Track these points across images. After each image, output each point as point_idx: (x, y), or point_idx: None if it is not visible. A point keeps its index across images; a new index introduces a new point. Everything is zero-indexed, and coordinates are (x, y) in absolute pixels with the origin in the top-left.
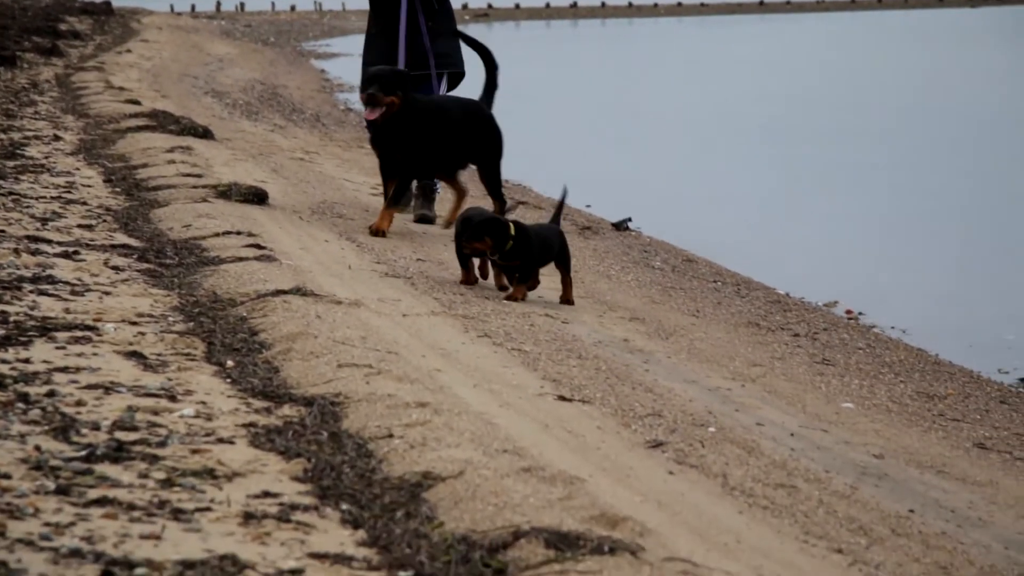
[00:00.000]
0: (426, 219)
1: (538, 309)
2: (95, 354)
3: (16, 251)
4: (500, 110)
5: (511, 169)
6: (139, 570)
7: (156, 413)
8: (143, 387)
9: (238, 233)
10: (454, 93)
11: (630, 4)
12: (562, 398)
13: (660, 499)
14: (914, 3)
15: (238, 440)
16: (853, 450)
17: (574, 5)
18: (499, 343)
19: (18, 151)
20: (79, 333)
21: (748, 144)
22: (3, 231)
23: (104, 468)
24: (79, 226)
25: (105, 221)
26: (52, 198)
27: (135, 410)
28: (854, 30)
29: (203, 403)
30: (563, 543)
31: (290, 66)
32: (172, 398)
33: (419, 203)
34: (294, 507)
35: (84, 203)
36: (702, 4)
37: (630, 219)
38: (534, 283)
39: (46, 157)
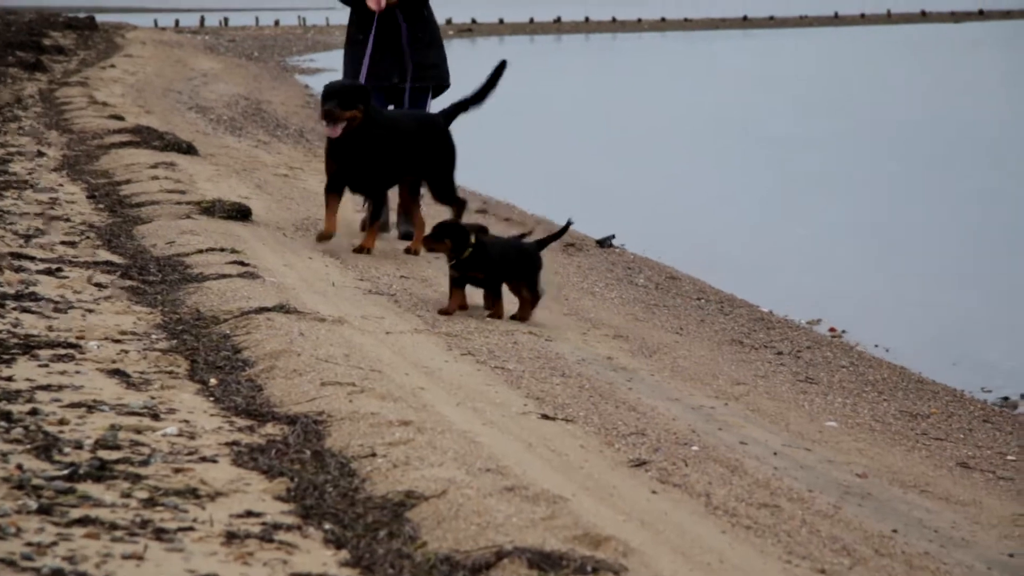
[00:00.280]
0: (410, 235)
1: (521, 327)
2: (78, 372)
3: None
4: (484, 126)
5: (495, 186)
6: None
7: (139, 432)
8: (126, 405)
9: (221, 250)
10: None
11: (614, 19)
12: (545, 416)
13: (643, 518)
14: (897, 18)
15: (221, 459)
16: (836, 469)
17: (558, 20)
18: (482, 361)
19: (1, 167)
20: (62, 351)
21: (732, 161)
22: None
23: (87, 487)
24: (62, 243)
25: (88, 238)
26: (36, 215)
27: (118, 428)
28: (838, 45)
29: (186, 421)
30: (546, 563)
31: (274, 81)
32: (155, 416)
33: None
34: (277, 527)
35: (67, 219)
36: (685, 19)
37: (614, 236)
38: (463, 300)
39: (30, 173)
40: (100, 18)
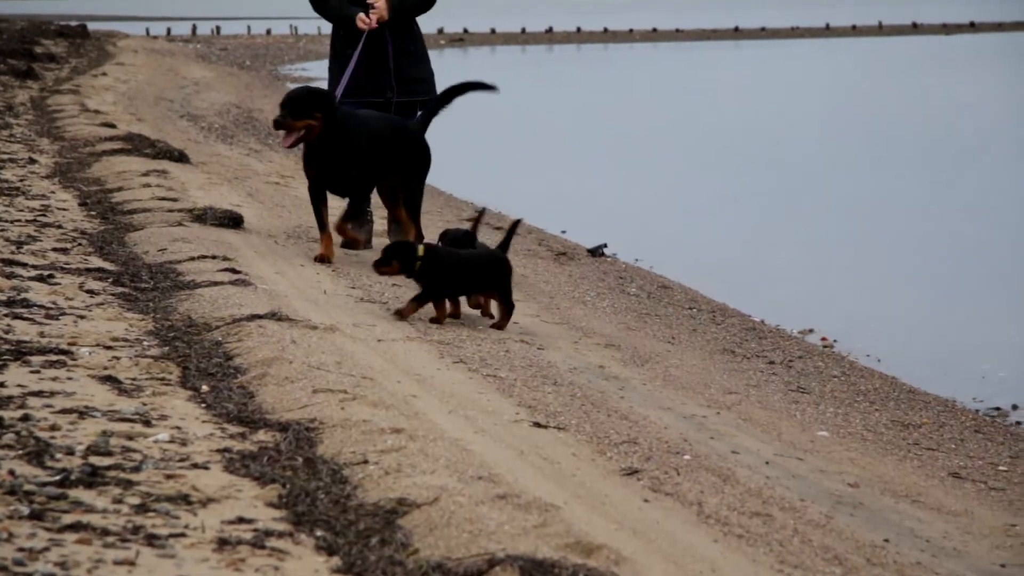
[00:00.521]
0: None
1: (514, 335)
2: (70, 378)
3: None
4: (476, 135)
5: (486, 195)
6: None
7: (131, 438)
8: (118, 412)
9: (213, 257)
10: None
11: (605, 30)
12: (537, 425)
13: (635, 527)
14: (889, 30)
15: (213, 465)
16: (828, 479)
17: (549, 30)
18: (474, 369)
19: None
20: (54, 357)
21: (723, 170)
22: None
23: (78, 493)
24: (54, 249)
25: (80, 245)
26: (27, 221)
27: (110, 435)
28: (829, 56)
29: (178, 428)
30: (538, 571)
31: (266, 90)
32: (147, 423)
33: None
34: (269, 533)
35: (59, 226)
36: (677, 30)
37: (605, 245)
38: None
39: (21, 180)
40: (92, 26)
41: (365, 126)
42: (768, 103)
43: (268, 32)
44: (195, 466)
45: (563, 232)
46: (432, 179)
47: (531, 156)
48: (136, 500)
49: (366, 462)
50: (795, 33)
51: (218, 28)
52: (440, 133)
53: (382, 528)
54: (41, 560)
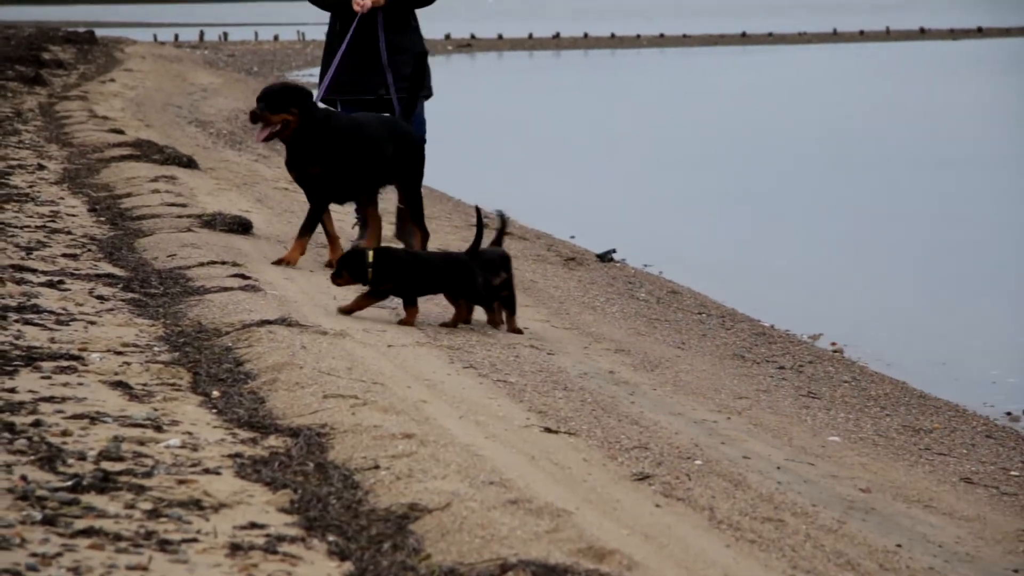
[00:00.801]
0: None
1: (523, 340)
2: (81, 384)
3: (1, 280)
4: (484, 141)
5: (494, 200)
6: None
7: (142, 443)
8: (129, 417)
9: (223, 263)
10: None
11: (612, 35)
12: (548, 430)
13: (647, 532)
14: (896, 35)
15: (224, 471)
16: (840, 484)
17: (557, 36)
18: (484, 374)
19: (2, 180)
20: (65, 363)
21: (731, 175)
22: None
23: (90, 498)
24: (64, 255)
25: (90, 250)
26: (37, 227)
27: (121, 440)
28: (837, 62)
29: (189, 433)
30: None
31: None
32: (158, 428)
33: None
34: (281, 538)
35: (69, 232)
36: (684, 35)
37: (614, 250)
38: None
39: (30, 186)
40: (100, 32)
41: (356, 128)
42: (775, 108)
43: (275, 38)
44: (207, 471)
45: (572, 237)
46: (439, 184)
47: (539, 162)
48: (148, 505)
49: (377, 467)
50: (803, 39)
51: (225, 34)
52: (447, 138)
53: (394, 533)
54: (54, 565)
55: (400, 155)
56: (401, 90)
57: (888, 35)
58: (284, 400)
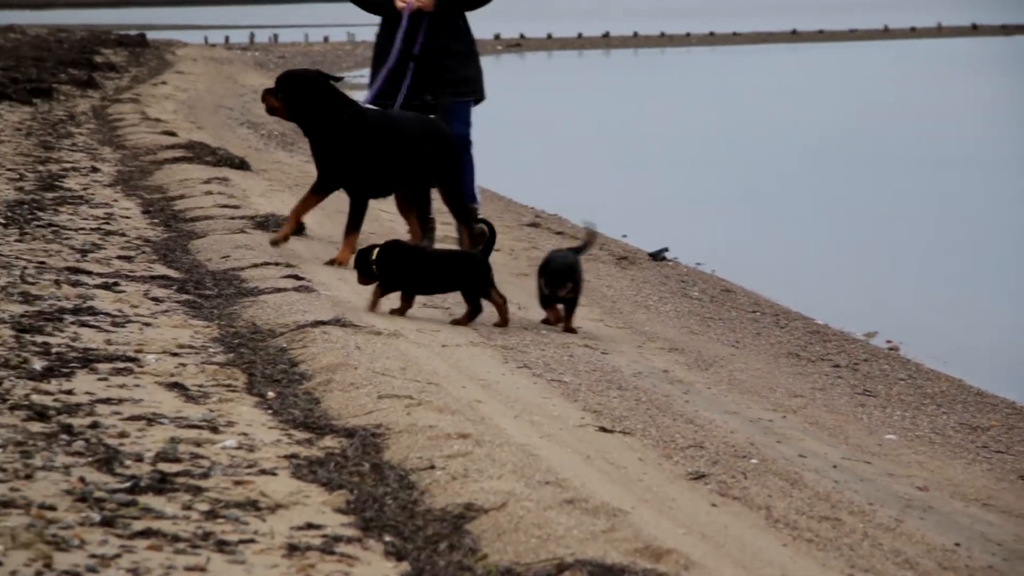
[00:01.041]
0: None
1: (577, 340)
2: (137, 385)
3: (57, 283)
4: (536, 139)
5: (546, 200)
6: None
7: (199, 444)
8: (185, 418)
9: (276, 264)
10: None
11: (662, 34)
12: (603, 429)
13: (704, 531)
14: (948, 31)
15: (280, 471)
16: (897, 482)
17: (606, 35)
18: (539, 374)
19: (56, 183)
20: (121, 364)
21: (782, 172)
22: (44, 263)
23: (148, 500)
24: (118, 257)
25: (144, 252)
26: (91, 229)
27: (178, 441)
28: (888, 58)
29: (245, 434)
30: (608, 575)
31: None
32: (214, 429)
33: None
34: (337, 539)
35: (123, 234)
36: (734, 33)
37: (667, 249)
38: (405, 306)
39: (84, 189)
40: (151, 35)
41: (387, 124)
42: (826, 105)
43: (325, 39)
44: (263, 472)
45: (624, 236)
46: (491, 183)
47: (590, 160)
48: (205, 506)
49: (433, 467)
50: (853, 36)
51: (276, 36)
52: (499, 138)
53: (450, 533)
54: (113, 567)
55: (437, 153)
56: (456, 94)
57: (940, 31)
58: (339, 400)
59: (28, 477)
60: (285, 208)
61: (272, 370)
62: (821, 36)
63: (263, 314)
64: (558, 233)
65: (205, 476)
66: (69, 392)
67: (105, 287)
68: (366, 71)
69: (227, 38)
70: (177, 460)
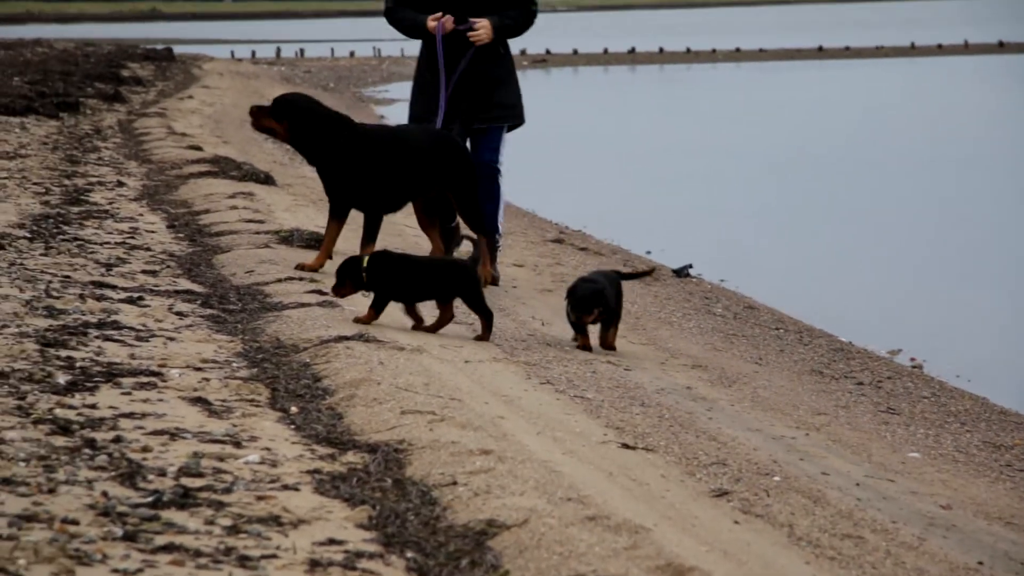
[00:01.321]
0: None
1: (600, 356)
2: (160, 400)
3: (81, 297)
4: (559, 156)
5: (570, 216)
6: None
7: (221, 459)
8: (208, 433)
9: (300, 279)
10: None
11: (688, 50)
12: (626, 446)
13: (726, 549)
14: (975, 49)
15: (303, 487)
16: (920, 500)
17: (632, 51)
18: (561, 390)
19: (82, 197)
20: (144, 379)
21: (806, 190)
22: (68, 277)
23: (171, 514)
24: (143, 272)
25: (169, 267)
26: (116, 244)
27: (201, 456)
28: (914, 76)
29: (268, 449)
30: None
31: (350, 111)
32: (237, 444)
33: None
34: (359, 555)
35: (148, 249)
36: (760, 50)
37: (690, 266)
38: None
39: (110, 203)
40: (177, 49)
41: (392, 139)
42: (852, 122)
43: (352, 54)
44: (285, 487)
45: (647, 253)
46: (516, 198)
47: (614, 176)
48: (228, 521)
49: (455, 483)
50: (880, 52)
51: (302, 51)
52: (523, 153)
53: (472, 550)
54: None
55: (447, 166)
56: (490, 119)
57: (967, 48)
58: (362, 416)
59: (51, 491)
60: (310, 223)
61: (295, 385)
62: (848, 53)
63: (287, 329)
64: (582, 249)
65: (228, 491)
66: (93, 406)
67: (129, 301)
68: (391, 86)
69: (253, 52)
70: (200, 475)
